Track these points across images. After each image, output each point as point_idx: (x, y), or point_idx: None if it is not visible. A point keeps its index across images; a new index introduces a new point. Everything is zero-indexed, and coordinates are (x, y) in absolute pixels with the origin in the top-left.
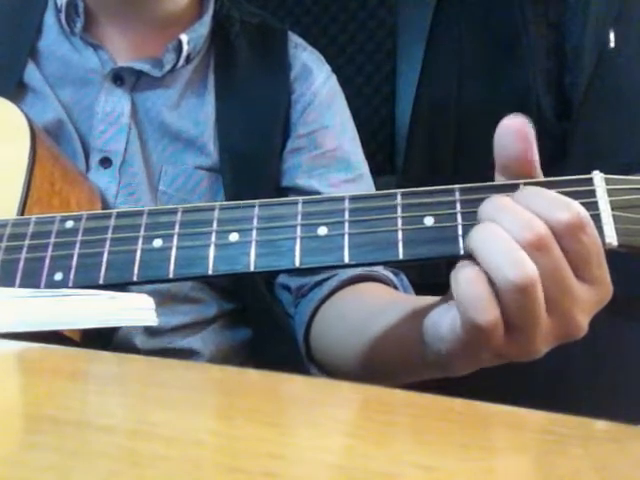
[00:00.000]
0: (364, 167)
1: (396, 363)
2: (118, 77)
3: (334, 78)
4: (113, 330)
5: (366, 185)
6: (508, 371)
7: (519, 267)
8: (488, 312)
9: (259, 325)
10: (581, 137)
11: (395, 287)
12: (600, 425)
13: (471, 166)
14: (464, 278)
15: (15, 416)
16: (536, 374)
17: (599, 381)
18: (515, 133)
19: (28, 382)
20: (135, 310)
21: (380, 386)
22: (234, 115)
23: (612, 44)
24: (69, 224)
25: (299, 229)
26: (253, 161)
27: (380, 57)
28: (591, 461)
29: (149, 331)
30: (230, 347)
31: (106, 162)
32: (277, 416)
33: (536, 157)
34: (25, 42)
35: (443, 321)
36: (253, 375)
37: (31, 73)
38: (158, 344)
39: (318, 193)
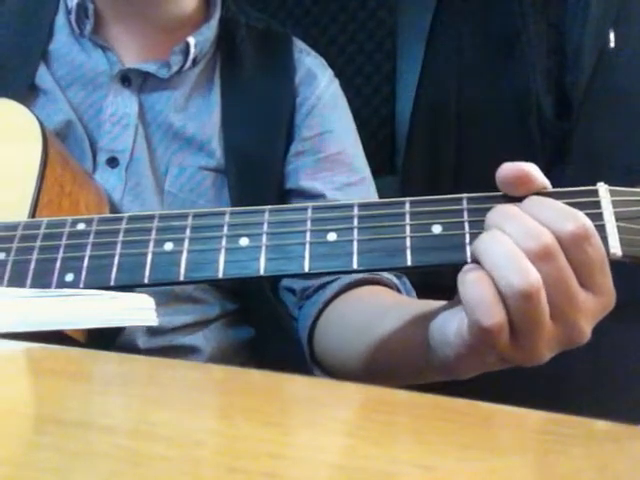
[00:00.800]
0: (367, 171)
1: (400, 366)
2: (126, 78)
3: (337, 83)
4: (116, 330)
5: (369, 189)
6: (509, 371)
7: (523, 274)
8: (494, 314)
9: (261, 325)
10: (581, 137)
11: (398, 290)
12: (601, 425)
13: (471, 166)
14: (471, 281)
15: (16, 417)
16: (537, 374)
17: (600, 381)
18: (514, 183)
19: (29, 382)
20: (136, 310)
21: (381, 386)
22: (239, 117)
23: (612, 44)
24: (80, 226)
25: (308, 235)
26: (258, 163)
27: (380, 57)
28: (592, 461)
29: (151, 330)
30: (232, 346)
31: (113, 162)
32: (277, 416)
33: (540, 182)
34: (37, 45)
35: (450, 325)
36: (253, 375)
37: (43, 75)
38: (160, 343)
39: (322, 195)
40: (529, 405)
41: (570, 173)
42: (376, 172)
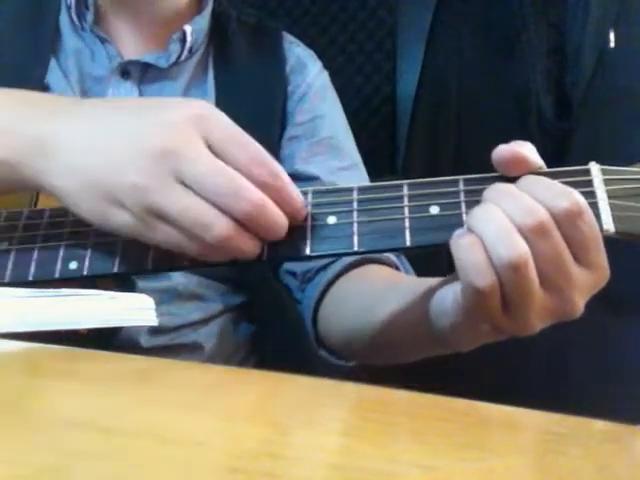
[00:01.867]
0: (358, 158)
1: (404, 341)
2: (125, 71)
3: (326, 73)
4: (117, 329)
5: (360, 174)
6: (508, 371)
7: (512, 247)
8: (487, 276)
9: (264, 320)
10: (581, 137)
11: (397, 268)
12: (600, 425)
13: (471, 165)
14: (465, 245)
15: (16, 417)
16: (536, 374)
17: (599, 381)
18: (510, 163)
19: (28, 383)
20: (136, 310)
21: (379, 386)
22: (233, 106)
23: (612, 44)
24: None
25: (309, 218)
26: None
27: (380, 57)
28: (591, 461)
29: (153, 329)
30: (232, 341)
31: None
32: (277, 416)
33: (535, 162)
34: (46, 43)
35: (447, 295)
36: (253, 375)
37: (53, 71)
38: (162, 341)
39: (317, 178)
40: (528, 405)
41: None
42: (376, 172)
